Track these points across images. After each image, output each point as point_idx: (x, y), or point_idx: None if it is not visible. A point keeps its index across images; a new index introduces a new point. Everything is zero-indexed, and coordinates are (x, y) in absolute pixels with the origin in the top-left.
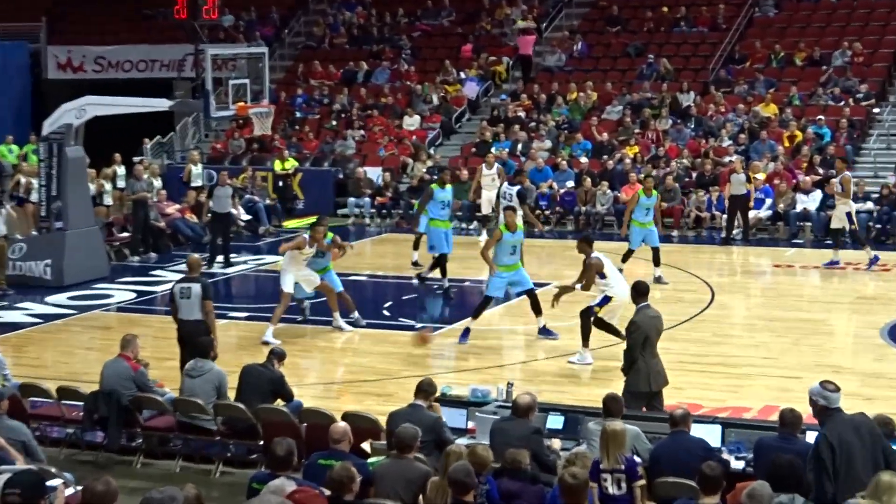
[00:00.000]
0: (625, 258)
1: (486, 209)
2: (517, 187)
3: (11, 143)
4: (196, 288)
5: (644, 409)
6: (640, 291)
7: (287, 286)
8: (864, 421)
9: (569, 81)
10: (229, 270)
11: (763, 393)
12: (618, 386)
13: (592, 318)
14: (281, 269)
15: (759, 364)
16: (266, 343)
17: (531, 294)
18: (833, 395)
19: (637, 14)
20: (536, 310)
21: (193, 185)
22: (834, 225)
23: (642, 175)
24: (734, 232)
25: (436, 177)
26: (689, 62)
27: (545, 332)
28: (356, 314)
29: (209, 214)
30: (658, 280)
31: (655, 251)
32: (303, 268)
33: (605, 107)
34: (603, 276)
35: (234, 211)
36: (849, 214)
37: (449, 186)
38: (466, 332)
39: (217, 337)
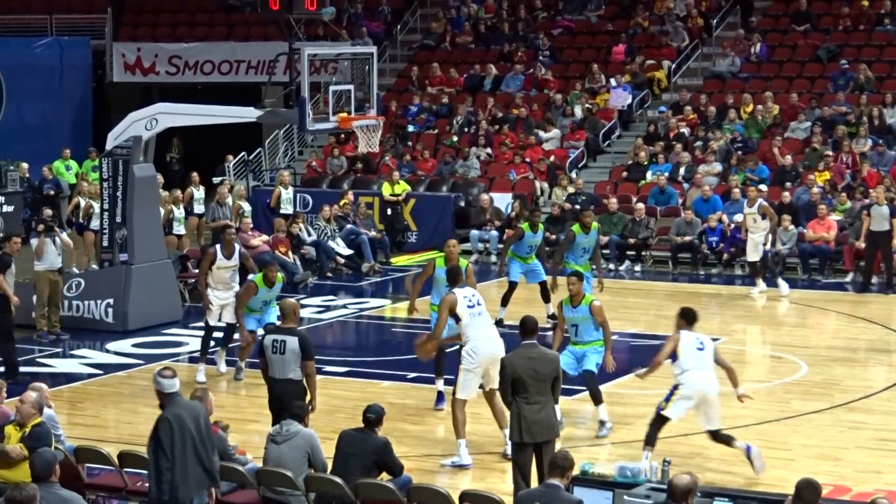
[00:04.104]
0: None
1: (752, 256)
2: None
3: (69, 158)
4: (292, 342)
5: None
6: (525, 329)
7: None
8: (199, 407)
9: (744, 91)
10: (325, 316)
11: None
12: (802, 467)
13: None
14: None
15: None
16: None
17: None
18: (168, 381)
19: (830, 9)
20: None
21: (283, 211)
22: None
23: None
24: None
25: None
26: (894, 69)
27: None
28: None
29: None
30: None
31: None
32: (225, 289)
33: (789, 123)
34: (675, 358)
35: (11, 295)
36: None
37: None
38: None
39: (317, 405)
